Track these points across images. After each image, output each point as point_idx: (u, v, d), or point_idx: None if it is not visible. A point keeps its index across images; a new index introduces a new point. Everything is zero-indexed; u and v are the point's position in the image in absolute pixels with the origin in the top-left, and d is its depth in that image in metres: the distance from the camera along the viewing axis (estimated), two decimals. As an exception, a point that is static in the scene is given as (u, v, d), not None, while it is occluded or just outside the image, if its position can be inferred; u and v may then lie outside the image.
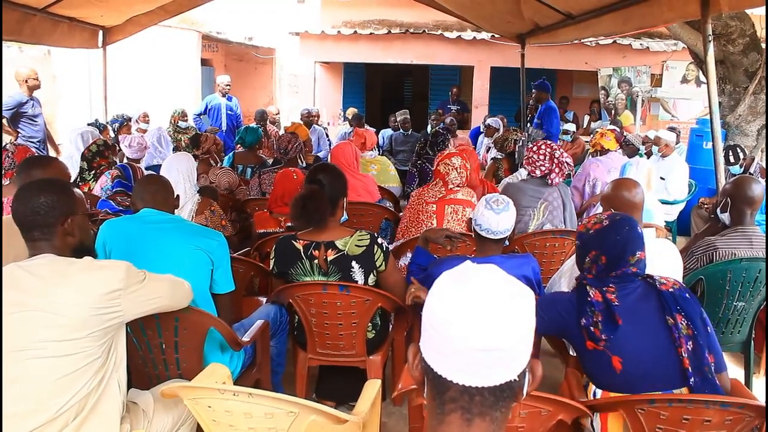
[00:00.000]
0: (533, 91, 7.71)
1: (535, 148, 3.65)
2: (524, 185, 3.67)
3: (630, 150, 5.86)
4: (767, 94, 5.78)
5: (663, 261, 2.45)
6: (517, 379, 0.88)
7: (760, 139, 6.06)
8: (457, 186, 3.46)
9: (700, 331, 1.81)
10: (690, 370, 1.78)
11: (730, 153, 5.08)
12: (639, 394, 1.82)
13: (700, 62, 6.40)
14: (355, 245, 2.50)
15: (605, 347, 1.84)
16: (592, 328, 1.84)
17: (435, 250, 2.84)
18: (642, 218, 2.67)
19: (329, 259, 2.50)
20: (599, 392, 1.93)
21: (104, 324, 1.66)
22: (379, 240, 2.55)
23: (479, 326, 0.84)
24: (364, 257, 2.51)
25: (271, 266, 2.62)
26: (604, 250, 1.92)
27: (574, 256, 2.78)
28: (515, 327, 0.85)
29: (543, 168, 3.60)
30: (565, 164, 3.60)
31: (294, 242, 2.53)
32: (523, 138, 5.44)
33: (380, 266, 2.55)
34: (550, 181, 3.59)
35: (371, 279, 2.56)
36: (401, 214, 3.79)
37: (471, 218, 2.59)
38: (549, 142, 3.74)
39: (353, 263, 2.50)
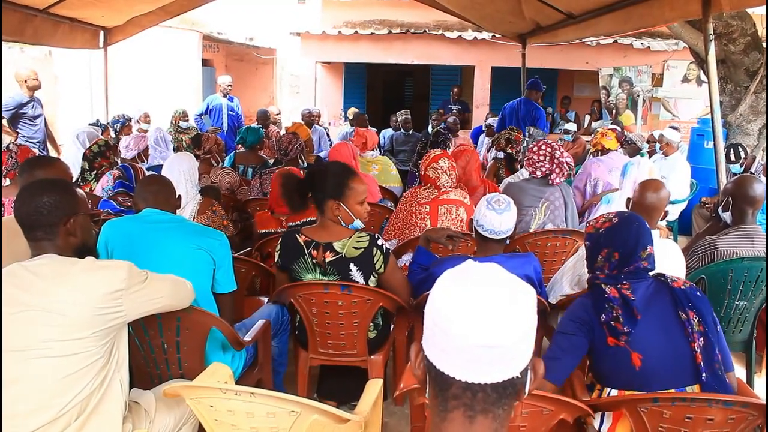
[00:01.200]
0: (526, 91, 7.49)
1: (535, 149, 3.63)
2: (526, 185, 3.67)
3: (631, 149, 5.86)
4: (768, 93, 5.78)
5: (667, 261, 2.45)
6: (520, 376, 0.89)
7: (761, 139, 6.06)
8: (449, 187, 3.44)
9: (711, 328, 1.84)
10: (702, 366, 1.79)
11: (732, 152, 5.09)
12: (653, 391, 1.82)
13: (701, 62, 6.39)
14: (353, 247, 2.46)
15: (626, 342, 1.84)
16: (612, 322, 1.85)
17: (436, 249, 2.84)
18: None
19: (327, 261, 2.48)
20: (614, 393, 1.91)
21: (106, 324, 1.67)
22: (379, 241, 2.50)
23: (481, 323, 0.85)
24: (362, 259, 2.46)
25: (275, 259, 2.60)
26: (616, 246, 1.94)
27: (575, 255, 2.80)
28: (517, 324, 0.86)
29: (543, 168, 3.59)
30: (566, 164, 3.59)
31: (298, 237, 2.52)
32: (526, 138, 5.42)
33: (379, 268, 2.49)
34: (551, 181, 3.59)
35: (372, 281, 2.52)
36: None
37: (471, 218, 2.59)
38: (549, 142, 3.72)
39: (351, 266, 2.47)
